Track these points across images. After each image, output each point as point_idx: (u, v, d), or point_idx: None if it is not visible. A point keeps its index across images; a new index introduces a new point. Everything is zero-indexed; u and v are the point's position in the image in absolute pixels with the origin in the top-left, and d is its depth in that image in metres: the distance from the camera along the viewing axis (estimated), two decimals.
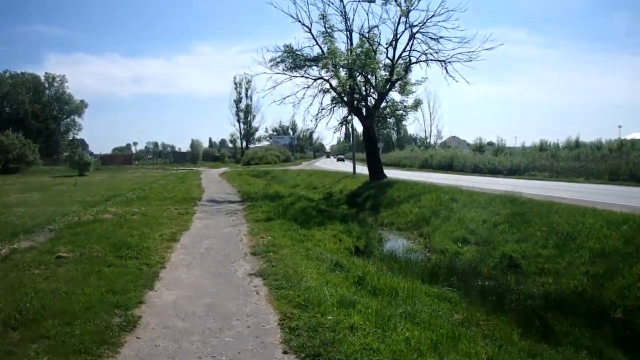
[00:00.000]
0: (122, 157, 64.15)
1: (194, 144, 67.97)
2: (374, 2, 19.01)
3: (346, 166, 50.86)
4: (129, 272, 5.99)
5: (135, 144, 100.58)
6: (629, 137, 31.36)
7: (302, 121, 22.99)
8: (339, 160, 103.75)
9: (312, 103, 20.71)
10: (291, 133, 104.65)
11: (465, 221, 10.55)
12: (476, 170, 29.71)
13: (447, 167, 34.69)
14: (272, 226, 9.86)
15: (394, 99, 20.71)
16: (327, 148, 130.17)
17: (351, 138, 32.27)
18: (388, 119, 22.86)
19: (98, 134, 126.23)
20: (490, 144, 44.86)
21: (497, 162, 28.92)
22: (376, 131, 22.13)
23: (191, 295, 5.27)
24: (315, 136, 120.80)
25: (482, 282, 7.40)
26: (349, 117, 22.49)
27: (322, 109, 20.43)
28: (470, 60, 17.78)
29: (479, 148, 40.75)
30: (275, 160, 62.20)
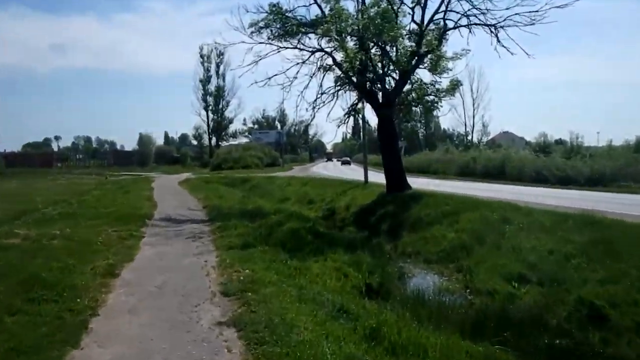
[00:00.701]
0: (38, 157, 63.75)
1: (144, 141, 68.17)
2: None
3: (354, 172, 50.75)
4: (43, 322, 5.89)
5: (57, 138, 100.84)
6: None
7: (295, 110, 23.18)
8: (343, 163, 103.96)
9: (308, 85, 20.65)
10: (279, 127, 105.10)
11: (522, 251, 10.49)
12: (539, 178, 29.68)
13: (497, 174, 34.73)
14: (251, 255, 9.79)
15: (422, 80, 20.86)
16: (329, 148, 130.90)
17: (362, 134, 32.34)
18: (413, 108, 22.92)
19: (1, 124, 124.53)
20: (559, 142, 44.53)
21: (570, 168, 28.59)
22: (397, 125, 22.18)
23: (134, 356, 5.19)
24: (312, 131, 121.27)
25: (549, 339, 7.28)
26: (359, 105, 22.55)
27: (322, 94, 20.51)
28: (533, 24, 17.69)
29: (543, 148, 40.62)
30: (256, 164, 62.32)
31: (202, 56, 78.91)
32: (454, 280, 10.71)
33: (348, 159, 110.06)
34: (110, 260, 9.23)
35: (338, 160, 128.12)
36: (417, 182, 24.71)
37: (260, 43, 19.49)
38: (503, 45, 18.31)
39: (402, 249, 13.72)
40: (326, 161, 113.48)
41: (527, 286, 9.23)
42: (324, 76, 20.51)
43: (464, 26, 19.11)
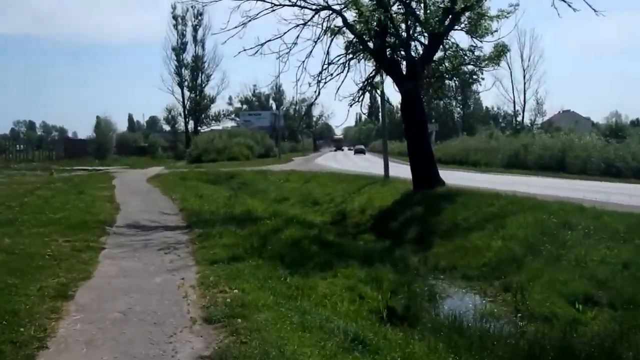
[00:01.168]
0: None
1: (102, 126, 68.10)
2: None
3: (371, 164, 50.62)
4: None
5: None
6: None
7: (294, 86, 22.93)
8: (356, 152, 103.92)
9: (311, 53, 20.50)
10: (274, 107, 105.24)
11: (589, 264, 10.45)
12: (610, 171, 29.69)
13: (556, 165, 34.69)
14: (240, 271, 9.79)
15: (457, 45, 20.84)
16: (338, 133, 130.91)
17: (380, 115, 32.17)
18: (447, 81, 22.88)
19: None
20: (636, 123, 44.38)
21: None
22: (425, 103, 22.11)
23: None
24: (316, 112, 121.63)
25: None
26: (377, 79, 22.49)
27: (330, 64, 20.50)
28: None
29: (615, 132, 40.52)
30: (246, 155, 62.43)
31: (174, 18, 79.24)
32: (500, 301, 10.69)
33: (362, 147, 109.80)
34: (62, 278, 9.22)
35: (350, 149, 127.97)
36: (451, 177, 24.62)
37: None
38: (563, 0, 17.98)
39: (433, 262, 13.70)
40: (334, 150, 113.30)
41: (595, 309, 9.21)
42: (331, 41, 20.52)
43: None
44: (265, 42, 19.83)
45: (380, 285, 10.63)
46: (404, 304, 9.85)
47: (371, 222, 19.40)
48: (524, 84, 79.47)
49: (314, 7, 19.86)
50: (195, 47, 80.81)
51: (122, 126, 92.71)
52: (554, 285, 10.19)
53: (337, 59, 20.64)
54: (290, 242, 13.19)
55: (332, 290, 9.81)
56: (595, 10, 18.04)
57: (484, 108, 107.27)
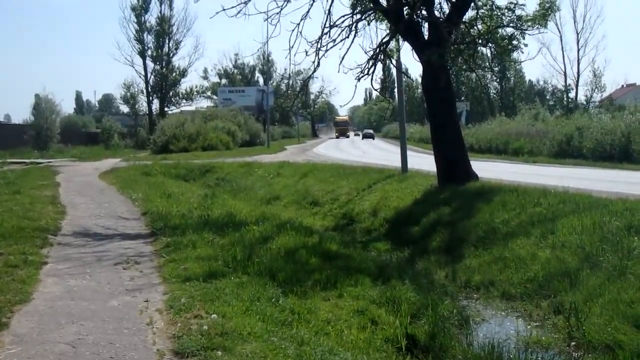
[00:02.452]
0: None
1: (42, 108, 68.11)
2: None
3: (383, 152, 50.53)
4: None
5: None
6: None
7: (288, 55, 22.51)
8: (365, 137, 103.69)
9: (308, 13, 20.39)
10: (261, 82, 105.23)
11: None
12: None
13: (619, 154, 34.71)
14: (219, 290, 9.82)
15: (493, 2, 20.79)
16: (343, 115, 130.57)
17: (397, 91, 32.15)
18: (480, 48, 22.86)
19: None
20: None
21: None
22: (453, 76, 22.05)
23: None
24: (315, 88, 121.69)
25: None
26: (392, 45, 22.47)
27: (332, 27, 20.47)
28: None
29: None
30: (226, 143, 62.49)
31: None
32: (549, 326, 10.69)
33: (371, 131, 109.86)
34: None
35: (357, 134, 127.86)
36: (486, 169, 24.66)
37: None
38: None
39: (464, 277, 13.72)
40: (337, 137, 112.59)
41: None
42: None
43: None
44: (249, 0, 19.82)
45: (397, 307, 10.64)
46: (427, 332, 9.87)
47: (385, 227, 19.44)
48: (578, 51, 79.76)
49: None
50: (160, 6, 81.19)
51: (67, 107, 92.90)
52: (618, 305, 10.16)
53: (341, 20, 20.63)
54: (284, 254, 13.18)
55: (336, 315, 9.82)
56: None
57: (528, 82, 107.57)
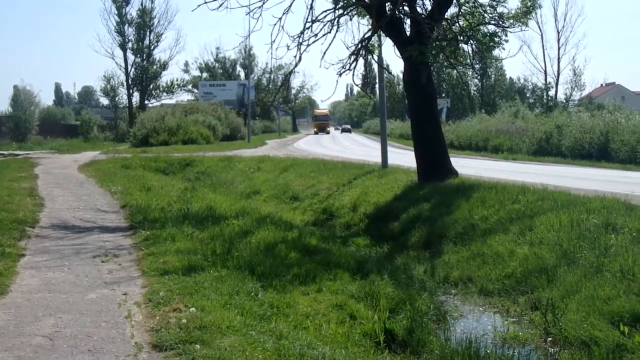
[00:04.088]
0: None
1: (20, 99, 67.65)
2: None
3: (365, 148, 50.52)
4: None
5: None
6: None
7: (269, 49, 22.52)
8: (343, 131, 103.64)
9: (290, 7, 20.37)
10: (242, 76, 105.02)
11: (637, 276, 10.51)
12: None
13: (598, 152, 34.95)
14: (198, 284, 9.84)
15: (476, 0, 20.78)
16: (323, 108, 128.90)
17: (378, 87, 32.28)
18: (462, 45, 22.91)
19: None
20: None
21: None
22: (434, 73, 22.11)
23: None
24: (296, 82, 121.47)
25: None
26: (374, 41, 22.47)
27: (314, 21, 20.44)
28: None
29: None
30: (206, 137, 62.30)
31: None
32: (526, 322, 10.76)
33: (348, 126, 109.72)
34: None
35: (337, 128, 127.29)
36: (466, 166, 24.75)
37: None
38: None
39: (443, 272, 13.75)
40: (315, 133, 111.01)
41: None
42: None
43: None
44: None
45: (376, 302, 10.66)
46: (406, 326, 9.88)
47: (365, 223, 19.43)
48: (558, 49, 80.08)
49: None
50: None
51: (47, 99, 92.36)
52: (594, 302, 10.21)
53: (323, 15, 20.60)
54: (263, 248, 13.19)
55: (315, 309, 9.84)
56: None
57: (508, 79, 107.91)
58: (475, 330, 10.40)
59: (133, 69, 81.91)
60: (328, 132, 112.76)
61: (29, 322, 8.18)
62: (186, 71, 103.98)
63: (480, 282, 12.75)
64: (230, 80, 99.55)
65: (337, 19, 20.72)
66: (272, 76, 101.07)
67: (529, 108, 70.39)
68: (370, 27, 21.67)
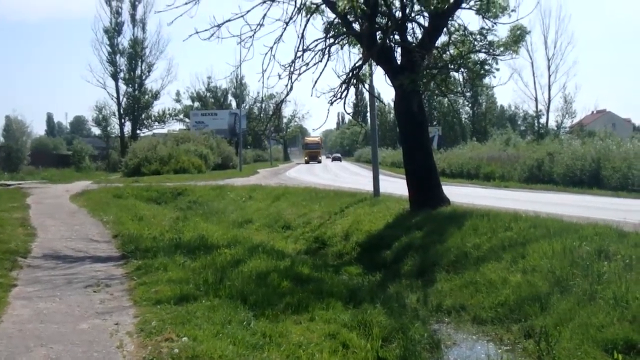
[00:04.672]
0: None
1: (12, 129, 67.73)
2: None
3: (356, 176, 50.58)
4: None
5: None
6: None
7: (261, 78, 22.61)
8: (334, 160, 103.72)
9: (281, 37, 20.36)
10: (233, 105, 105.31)
11: (631, 304, 10.52)
12: None
13: (589, 179, 35.05)
14: (191, 313, 9.83)
15: (466, 28, 21.00)
16: (314, 136, 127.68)
17: (369, 115, 32.34)
18: (452, 73, 23.04)
19: None
20: None
21: None
22: (425, 101, 22.21)
23: None
24: (288, 111, 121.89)
25: None
26: (365, 69, 22.58)
27: (305, 51, 20.53)
28: None
29: None
30: (198, 166, 62.35)
31: None
32: (519, 350, 10.72)
33: (339, 155, 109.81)
34: None
35: (328, 157, 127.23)
36: (458, 194, 24.76)
37: None
38: None
39: (436, 301, 13.71)
40: (307, 162, 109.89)
41: (639, 359, 9.28)
42: (307, 22, 20.54)
43: None
44: (223, 23, 19.80)
45: (369, 331, 10.64)
46: (399, 355, 9.88)
47: (357, 251, 19.41)
48: (549, 77, 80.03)
49: None
50: (133, 29, 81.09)
51: (38, 129, 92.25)
52: (587, 330, 10.21)
53: (314, 44, 20.70)
54: (255, 277, 13.17)
55: (308, 338, 9.80)
56: None
57: (499, 107, 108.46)
58: (468, 358, 10.40)
59: (125, 99, 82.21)
60: (319, 161, 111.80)
61: (20, 353, 8.15)
62: (178, 100, 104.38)
63: (473, 310, 12.73)
64: (221, 110, 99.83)
65: (328, 48, 20.83)
66: (263, 105, 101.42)
67: (521, 135, 70.77)
68: (361, 56, 21.76)
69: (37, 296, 11.31)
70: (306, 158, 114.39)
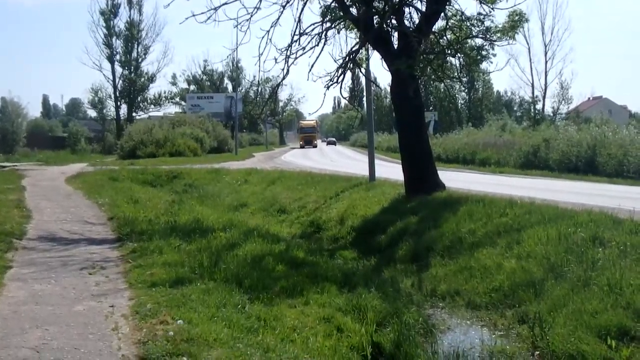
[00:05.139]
0: None
1: (7, 111, 67.57)
2: None
3: (352, 161, 50.48)
4: None
5: None
6: None
7: (257, 62, 22.54)
8: (328, 144, 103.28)
9: (278, 20, 20.29)
10: (230, 89, 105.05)
11: (625, 290, 10.53)
12: None
13: (585, 165, 35.07)
14: (186, 296, 9.84)
15: (462, 12, 20.95)
16: (310, 120, 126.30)
17: (366, 100, 32.36)
18: (449, 59, 23.00)
19: None
20: None
21: None
22: (422, 86, 22.16)
23: None
24: (284, 95, 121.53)
25: None
26: (362, 54, 22.51)
27: (302, 34, 20.49)
28: None
29: None
30: (194, 149, 62.21)
31: None
32: (513, 336, 10.76)
33: (333, 139, 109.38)
34: None
35: (323, 141, 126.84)
36: (453, 179, 24.76)
37: None
38: None
39: (430, 286, 13.77)
40: (301, 146, 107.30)
41: (632, 346, 9.26)
42: (304, 6, 20.61)
43: None
44: (220, 6, 19.74)
45: (363, 315, 10.67)
46: (393, 340, 9.90)
47: (352, 236, 19.44)
48: (545, 63, 79.76)
49: None
50: (130, 11, 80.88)
51: (34, 111, 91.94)
52: (581, 316, 10.23)
53: (310, 28, 20.65)
54: (250, 261, 13.17)
55: (302, 322, 9.83)
56: None
57: (495, 93, 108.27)
58: (462, 343, 10.42)
59: (121, 81, 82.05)
60: (315, 146, 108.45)
61: (15, 334, 8.14)
62: (174, 84, 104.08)
63: (467, 296, 12.76)
64: (217, 93, 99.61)
65: (324, 32, 20.77)
66: (259, 89, 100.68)
67: (517, 121, 70.79)
68: (358, 40, 21.73)
69: (33, 278, 11.30)
70: (301, 142, 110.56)
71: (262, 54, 20.16)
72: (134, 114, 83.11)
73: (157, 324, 8.37)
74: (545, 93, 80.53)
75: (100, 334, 8.19)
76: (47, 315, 9.06)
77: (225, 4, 19.73)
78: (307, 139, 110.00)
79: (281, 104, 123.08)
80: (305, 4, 20.37)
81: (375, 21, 20.71)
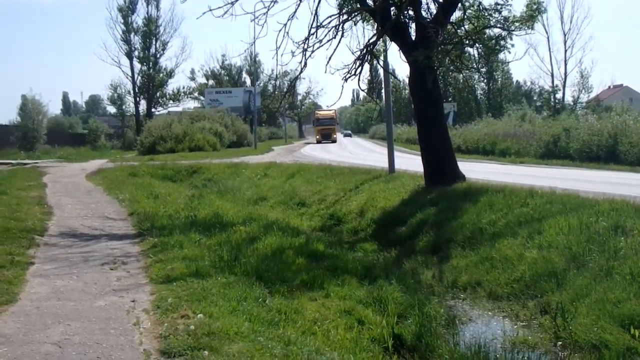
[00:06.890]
0: None
1: (29, 108, 67.87)
2: None
3: (371, 153, 50.42)
4: None
5: None
6: None
7: (275, 55, 22.47)
8: (345, 136, 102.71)
9: (295, 14, 20.23)
10: (248, 83, 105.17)
11: None
12: None
13: (606, 154, 34.89)
14: (206, 290, 9.87)
15: (480, 3, 20.83)
16: (327, 109, 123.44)
17: (384, 92, 32.18)
18: (467, 49, 22.90)
19: None
20: None
21: None
22: (440, 77, 22.09)
23: None
24: (302, 88, 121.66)
25: None
26: (379, 46, 22.46)
27: (319, 27, 20.44)
28: None
29: None
30: (213, 144, 62.32)
31: None
32: (536, 326, 10.73)
33: (349, 132, 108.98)
34: None
35: (341, 133, 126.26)
36: (473, 170, 24.67)
37: None
38: None
39: (451, 277, 13.73)
40: (318, 141, 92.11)
41: None
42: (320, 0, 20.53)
43: None
44: (237, 0, 19.77)
45: (384, 307, 10.68)
46: (414, 331, 9.89)
47: (372, 228, 19.42)
48: (565, 52, 79.46)
49: None
50: (147, 7, 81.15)
51: (54, 108, 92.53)
52: (604, 305, 10.19)
53: (327, 20, 20.57)
54: (270, 254, 13.23)
55: (323, 315, 9.85)
56: None
57: (515, 83, 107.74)
58: (484, 334, 10.37)
59: (139, 77, 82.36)
60: (334, 141, 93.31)
61: (38, 330, 8.20)
62: (192, 79, 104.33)
63: (489, 287, 12.72)
64: (236, 87, 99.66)
65: (341, 24, 20.71)
66: (277, 82, 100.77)
67: (536, 111, 70.26)
68: (375, 32, 21.65)
69: (54, 274, 11.38)
70: (318, 137, 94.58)
71: (279, 47, 20.15)
72: (153, 110, 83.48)
73: (178, 318, 8.40)
74: (565, 82, 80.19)
75: (121, 329, 8.22)
76: (69, 310, 9.12)
77: None
78: (325, 132, 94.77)
79: (299, 97, 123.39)
80: None
81: (392, 12, 20.65)
